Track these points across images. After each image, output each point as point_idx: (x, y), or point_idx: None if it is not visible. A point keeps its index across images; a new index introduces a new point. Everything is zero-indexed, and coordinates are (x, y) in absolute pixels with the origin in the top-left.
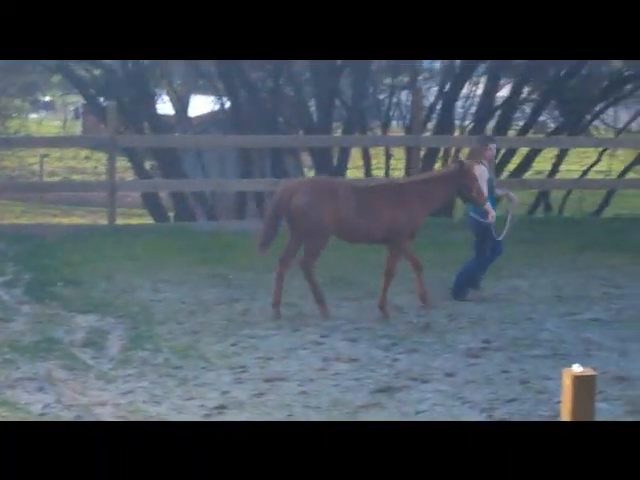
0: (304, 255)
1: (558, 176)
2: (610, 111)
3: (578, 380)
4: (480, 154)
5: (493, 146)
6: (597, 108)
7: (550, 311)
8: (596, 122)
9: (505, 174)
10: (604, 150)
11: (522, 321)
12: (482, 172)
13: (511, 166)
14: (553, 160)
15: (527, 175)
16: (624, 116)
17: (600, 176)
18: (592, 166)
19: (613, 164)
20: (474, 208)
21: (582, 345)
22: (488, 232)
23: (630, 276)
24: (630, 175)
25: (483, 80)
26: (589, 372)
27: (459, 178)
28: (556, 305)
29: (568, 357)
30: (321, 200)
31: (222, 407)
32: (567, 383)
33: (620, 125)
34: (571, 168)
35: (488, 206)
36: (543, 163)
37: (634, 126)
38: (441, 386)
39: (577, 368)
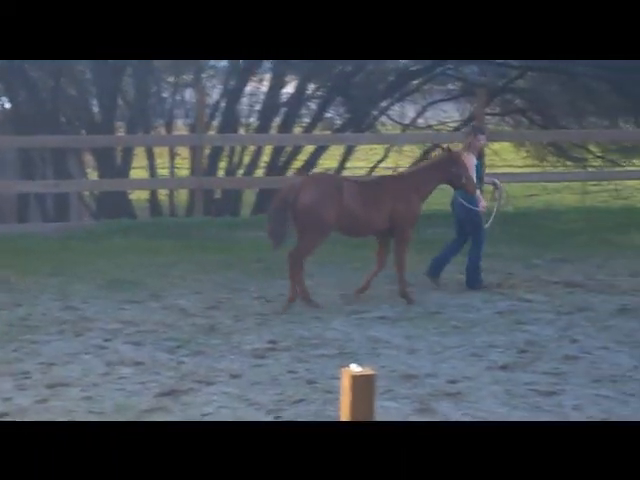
0: (297, 248)
1: (345, 173)
2: (397, 107)
3: (356, 380)
4: (471, 144)
5: (482, 137)
6: (383, 104)
7: (337, 310)
8: (383, 118)
9: (291, 172)
10: (391, 146)
11: (308, 320)
12: (469, 159)
13: (297, 163)
14: (340, 157)
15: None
16: (411, 112)
17: (388, 172)
18: (379, 162)
19: (400, 160)
20: (464, 195)
21: (369, 344)
22: (477, 220)
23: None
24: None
25: (268, 77)
26: (367, 371)
27: (449, 166)
28: (343, 304)
29: (355, 356)
30: (327, 196)
31: (4, 414)
32: (345, 383)
33: (407, 121)
34: (359, 165)
35: (478, 194)
36: (329, 160)
37: (421, 122)
38: (227, 388)
39: (355, 368)
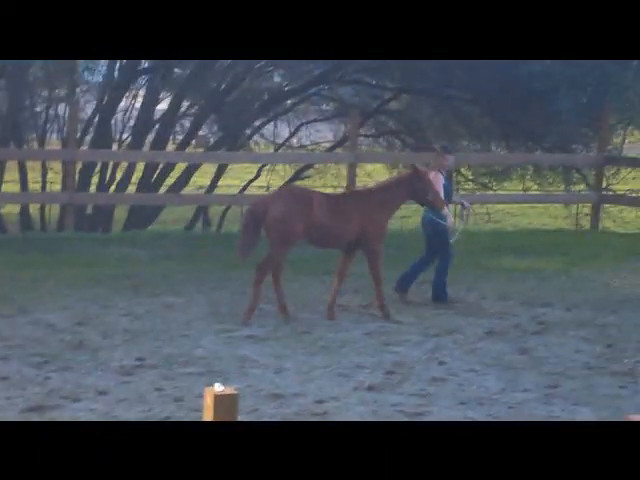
0: (266, 260)
1: (217, 191)
2: (270, 126)
3: (218, 399)
4: (438, 163)
5: (450, 157)
6: (257, 123)
7: (206, 328)
8: (256, 137)
9: (163, 189)
10: (264, 165)
11: (177, 338)
12: (437, 179)
13: (170, 180)
14: (212, 175)
15: (186, 190)
16: (284, 131)
17: (261, 191)
18: (251, 181)
19: (273, 179)
20: (433, 212)
21: (237, 362)
22: (445, 235)
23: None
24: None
25: (142, 93)
26: (229, 391)
27: (414, 183)
28: (212, 322)
29: (223, 374)
30: (297, 209)
31: None
32: (208, 402)
33: (280, 140)
34: (231, 183)
35: (446, 210)
36: (202, 178)
37: (294, 141)
38: (93, 404)
39: (218, 387)
